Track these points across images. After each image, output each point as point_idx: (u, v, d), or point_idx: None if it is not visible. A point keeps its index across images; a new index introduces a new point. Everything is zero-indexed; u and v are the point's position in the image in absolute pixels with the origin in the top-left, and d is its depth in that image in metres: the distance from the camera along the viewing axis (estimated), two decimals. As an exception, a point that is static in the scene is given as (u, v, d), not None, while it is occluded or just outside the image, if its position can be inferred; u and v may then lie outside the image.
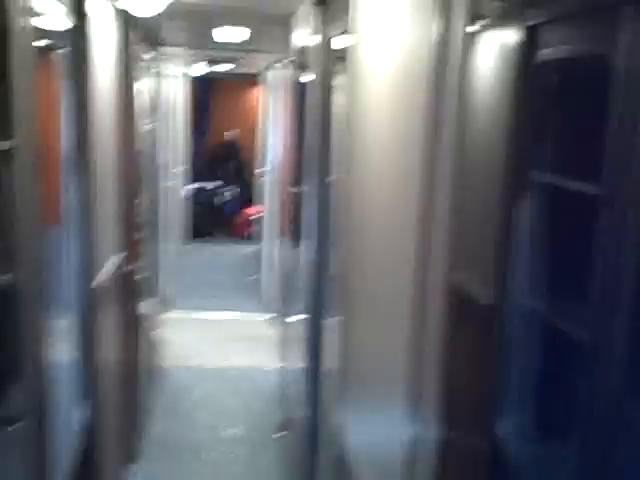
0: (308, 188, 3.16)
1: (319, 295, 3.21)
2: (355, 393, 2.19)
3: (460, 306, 1.27)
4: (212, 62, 7.68)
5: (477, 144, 1.22)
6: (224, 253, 10.35)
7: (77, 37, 2.80)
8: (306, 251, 3.33)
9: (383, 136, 1.80)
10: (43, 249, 2.27)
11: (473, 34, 1.22)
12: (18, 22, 1.97)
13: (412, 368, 1.47)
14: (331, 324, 3.05)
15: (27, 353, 2.16)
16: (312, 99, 2.96)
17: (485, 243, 1.19)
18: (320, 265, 3.17)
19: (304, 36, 3.29)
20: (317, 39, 2.81)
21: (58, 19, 2.61)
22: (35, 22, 2.12)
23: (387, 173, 1.76)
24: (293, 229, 4.40)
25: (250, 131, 10.54)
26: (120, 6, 3.43)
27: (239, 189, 11.60)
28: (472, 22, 1.22)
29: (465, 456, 1.29)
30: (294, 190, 4.12)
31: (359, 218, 2.10)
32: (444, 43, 1.30)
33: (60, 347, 2.73)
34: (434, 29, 1.33)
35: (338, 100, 2.89)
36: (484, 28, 1.19)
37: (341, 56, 2.72)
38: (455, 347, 1.30)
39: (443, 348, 1.32)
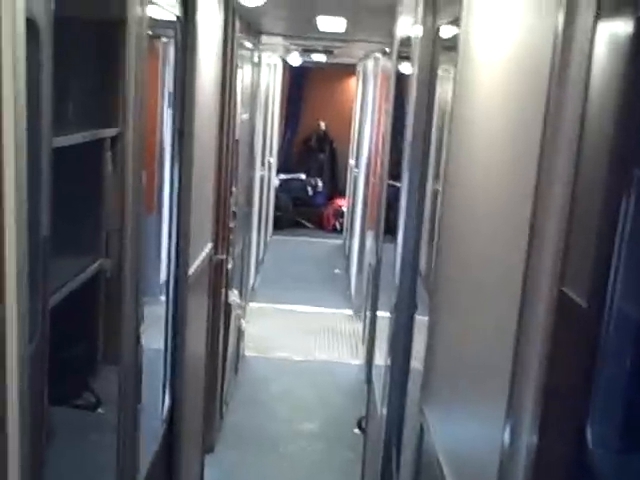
0: (404, 182, 3.09)
1: (409, 292, 3.14)
2: (443, 393, 2.13)
3: (563, 310, 1.21)
4: (309, 51, 7.66)
5: (598, 146, 1.13)
6: (311, 245, 10.34)
7: (184, 26, 2.81)
8: (398, 246, 3.26)
9: (493, 132, 1.72)
10: (141, 235, 2.29)
11: (601, 23, 1.12)
12: (134, 12, 1.98)
13: (509, 371, 1.40)
14: (420, 322, 3.01)
15: (122, 336, 2.18)
16: (413, 90, 2.87)
17: (593, 245, 1.12)
18: (412, 261, 3.10)
19: (408, 25, 3.20)
20: (422, 29, 2.72)
21: (167, 9, 2.62)
22: (148, 12, 2.13)
23: (495, 171, 1.68)
24: (384, 223, 4.32)
25: (344, 122, 10.51)
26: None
27: (330, 180, 11.59)
28: (601, 11, 1.13)
29: (560, 464, 1.23)
30: (389, 183, 4.04)
31: (460, 215, 2.02)
32: (569, 33, 1.21)
33: (150, 333, 2.75)
34: (558, 18, 1.24)
35: (442, 92, 2.80)
36: (612, 16, 1.10)
37: (448, 46, 2.64)
38: (556, 351, 1.24)
39: (544, 351, 1.25)
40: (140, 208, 2.23)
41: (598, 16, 1.15)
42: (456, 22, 2.20)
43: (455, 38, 2.22)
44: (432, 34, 2.73)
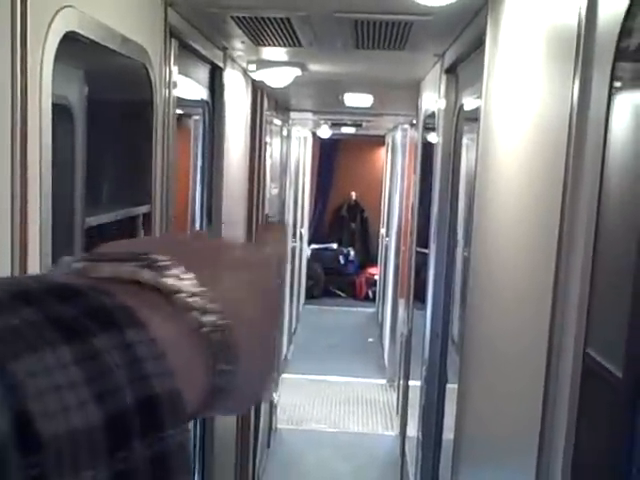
0: (434, 249, 3.11)
1: (440, 361, 3.12)
2: (474, 465, 2.08)
3: (593, 379, 1.20)
4: (338, 124, 7.82)
5: (618, 211, 1.15)
6: (344, 314, 10.30)
7: (211, 107, 2.91)
8: (427, 315, 3.25)
9: (515, 199, 1.74)
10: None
11: (615, 94, 1.15)
12: (161, 94, 2.07)
13: (538, 441, 1.38)
14: (453, 392, 2.96)
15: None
16: (438, 160, 2.93)
17: (620, 312, 1.11)
18: (442, 330, 3.09)
19: (432, 100, 3.28)
20: (446, 103, 2.80)
21: (198, 92, 2.73)
22: (176, 94, 2.23)
23: (519, 237, 1.69)
24: (415, 291, 4.32)
25: (374, 191, 10.61)
26: (255, 77, 3.56)
27: (362, 249, 11.62)
28: (615, 82, 1.16)
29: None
30: (419, 251, 4.06)
31: (486, 283, 2.02)
32: (584, 106, 1.25)
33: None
34: (574, 91, 1.27)
35: (466, 162, 2.86)
36: (626, 88, 1.13)
37: (470, 119, 2.72)
38: (587, 423, 1.22)
39: (574, 423, 1.23)
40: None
41: (612, 86, 1.18)
42: (477, 95, 2.27)
43: (477, 110, 2.28)
44: (455, 107, 2.80)
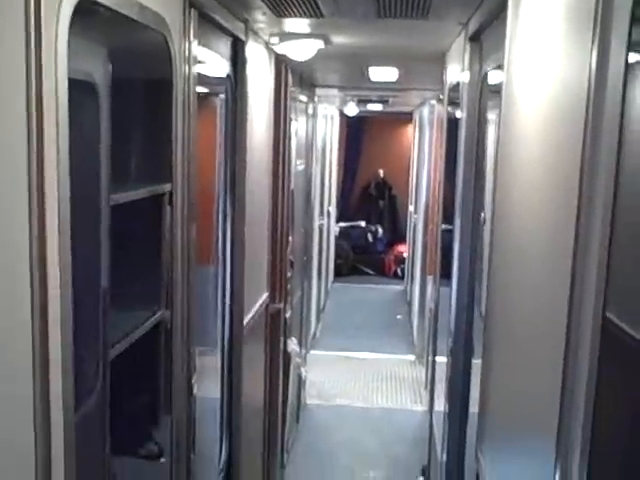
0: (459, 226, 3.08)
1: (466, 335, 3.10)
2: (496, 438, 2.08)
3: (613, 343, 1.19)
4: (364, 101, 7.76)
5: (637, 174, 1.13)
6: (373, 291, 10.30)
7: (235, 82, 2.89)
8: (453, 290, 3.24)
9: (535, 172, 1.71)
10: (195, 288, 2.33)
11: (633, 65, 1.12)
12: (181, 70, 2.06)
13: (558, 410, 1.37)
14: (478, 365, 2.96)
15: (176, 387, 2.21)
16: (464, 135, 2.89)
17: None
18: (467, 304, 3.07)
19: (457, 72, 3.23)
20: (470, 75, 2.75)
21: (218, 66, 2.71)
22: (197, 69, 2.21)
23: (539, 209, 1.67)
24: (442, 267, 4.29)
25: (402, 168, 10.56)
26: (278, 51, 3.53)
27: (390, 227, 11.59)
28: (632, 51, 1.13)
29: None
30: (445, 227, 4.03)
31: (509, 256, 2.00)
32: (601, 75, 1.22)
33: (207, 383, 2.78)
34: (592, 58, 1.24)
35: (491, 136, 2.82)
36: None
37: (495, 91, 2.67)
38: (610, 394, 1.21)
39: (593, 389, 1.23)
40: (193, 262, 2.28)
41: (629, 53, 1.15)
42: (500, 67, 2.23)
43: (499, 84, 2.24)
44: (479, 79, 2.75)
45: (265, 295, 3.85)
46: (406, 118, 10.22)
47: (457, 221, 3.10)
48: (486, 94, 2.73)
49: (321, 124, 7.23)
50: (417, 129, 8.87)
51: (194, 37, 2.17)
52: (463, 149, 2.90)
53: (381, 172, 11.63)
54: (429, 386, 5.31)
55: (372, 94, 6.84)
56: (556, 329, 1.42)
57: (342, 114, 9.56)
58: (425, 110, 7.36)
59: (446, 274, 4.04)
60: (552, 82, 1.59)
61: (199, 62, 2.25)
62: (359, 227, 11.35)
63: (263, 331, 3.84)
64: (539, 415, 1.59)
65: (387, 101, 7.44)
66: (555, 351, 1.40)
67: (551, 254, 1.54)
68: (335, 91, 6.80)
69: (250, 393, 3.40)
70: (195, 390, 2.41)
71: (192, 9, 2.14)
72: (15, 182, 1.21)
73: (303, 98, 5.44)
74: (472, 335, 3.08)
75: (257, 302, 3.59)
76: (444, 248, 4.10)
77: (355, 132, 11.57)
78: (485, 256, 2.93)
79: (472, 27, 2.68)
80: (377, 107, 8.29)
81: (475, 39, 2.71)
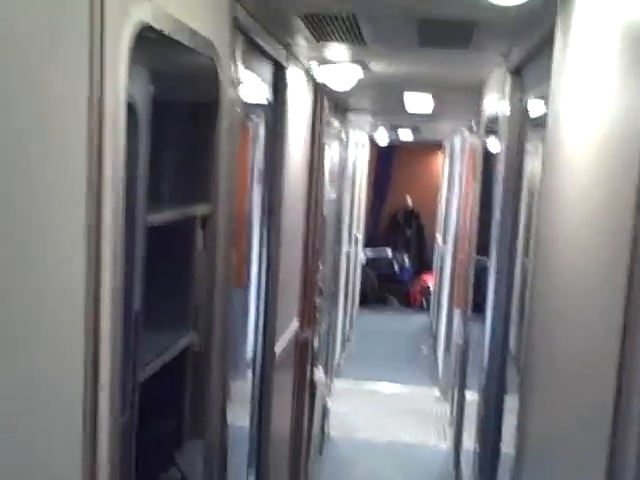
0: (495, 258, 3.04)
1: (498, 372, 3.05)
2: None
3: None
4: (396, 128, 7.76)
5: None
6: (397, 321, 10.21)
7: (275, 106, 2.90)
8: (486, 325, 3.18)
9: (584, 208, 1.67)
10: (228, 311, 2.31)
11: None
12: (227, 93, 2.06)
13: (609, 459, 1.32)
14: (511, 404, 2.90)
15: (211, 413, 2.18)
16: (501, 166, 2.86)
17: None
18: (501, 340, 3.02)
19: (495, 103, 3.21)
20: (511, 106, 2.73)
21: (259, 90, 2.72)
22: (241, 93, 2.22)
23: (588, 245, 1.63)
24: (472, 300, 4.24)
25: (430, 197, 10.52)
26: (318, 79, 3.54)
27: (417, 256, 11.52)
28: None
29: None
30: (477, 259, 3.99)
31: (553, 293, 1.96)
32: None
33: (235, 410, 2.74)
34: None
35: (530, 169, 2.79)
36: None
37: (536, 124, 2.65)
38: None
39: None
40: (227, 284, 2.26)
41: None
42: (544, 99, 2.20)
43: (543, 114, 2.21)
44: (519, 111, 2.73)
45: (295, 323, 3.82)
46: (435, 147, 10.21)
47: (493, 253, 3.06)
48: (526, 126, 2.71)
49: (352, 150, 7.24)
50: (447, 158, 8.85)
51: (240, 61, 2.18)
52: (502, 180, 2.87)
53: (409, 200, 11.59)
54: (455, 423, 5.22)
55: (405, 121, 6.84)
56: (607, 369, 1.37)
57: (373, 141, 9.57)
58: (456, 139, 7.34)
59: (478, 307, 3.98)
60: (605, 115, 1.56)
61: (243, 85, 2.26)
62: (385, 255, 11.29)
63: (292, 359, 3.80)
64: (584, 459, 1.53)
65: (418, 129, 7.44)
66: (605, 392, 1.36)
67: (602, 292, 1.50)
68: (367, 117, 6.80)
69: (277, 421, 3.36)
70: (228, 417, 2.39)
71: (239, 34, 2.16)
72: (73, 204, 1.22)
73: (336, 123, 5.45)
74: (505, 372, 3.03)
75: (288, 330, 3.57)
76: (476, 280, 4.05)
77: (384, 159, 11.57)
78: (520, 292, 2.89)
79: (514, 59, 2.66)
80: (408, 135, 8.29)
81: (517, 71, 2.69)
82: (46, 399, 1.18)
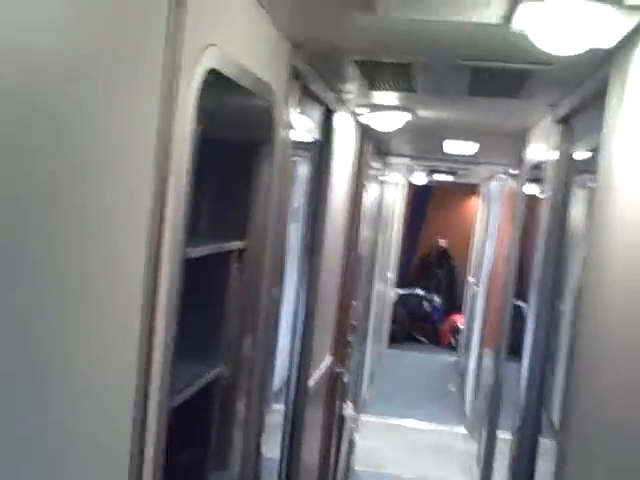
0: (535, 303, 3.05)
1: (535, 415, 3.05)
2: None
3: None
4: (433, 171, 7.80)
5: None
6: (426, 360, 10.16)
7: (322, 148, 2.97)
8: (523, 369, 3.19)
9: (637, 261, 1.68)
10: (269, 347, 2.35)
11: None
12: (280, 134, 2.13)
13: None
14: (545, 446, 2.89)
15: (239, 445, 2.20)
16: (547, 214, 2.89)
17: None
18: (538, 384, 3.03)
19: (540, 151, 3.25)
20: (559, 155, 2.76)
21: (309, 132, 2.79)
22: (293, 134, 2.28)
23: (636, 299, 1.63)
24: (504, 342, 4.24)
25: (463, 239, 10.51)
26: (363, 121, 3.61)
27: (447, 296, 11.48)
28: None
29: None
30: (515, 303, 4.00)
31: (598, 346, 1.96)
32: None
33: (268, 441, 2.76)
34: None
35: (575, 217, 2.81)
36: None
37: (583, 172, 2.70)
38: None
39: None
40: (270, 320, 2.30)
41: None
42: (593, 149, 2.23)
43: (589, 163, 2.24)
44: (566, 159, 2.76)
45: (329, 359, 3.84)
46: (470, 189, 10.22)
47: (533, 299, 3.07)
48: (572, 174, 2.74)
49: (389, 191, 7.29)
50: (483, 201, 8.86)
51: (295, 105, 2.25)
52: (546, 227, 2.90)
53: (442, 241, 11.59)
54: (483, 463, 5.16)
55: (443, 165, 6.88)
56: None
57: (409, 183, 9.62)
58: (494, 184, 7.35)
59: (512, 350, 3.98)
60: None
61: (295, 128, 2.33)
62: (417, 295, 11.27)
63: (323, 393, 3.82)
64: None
65: (456, 173, 7.47)
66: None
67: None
68: (406, 160, 6.86)
69: (306, 455, 3.37)
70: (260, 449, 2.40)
71: (295, 80, 2.23)
72: (136, 236, 1.28)
73: (376, 165, 5.52)
74: (541, 414, 3.03)
75: (321, 365, 3.59)
76: (513, 324, 4.06)
77: (419, 200, 11.59)
78: (559, 338, 2.89)
79: (563, 109, 2.70)
80: (446, 178, 8.32)
81: (565, 121, 2.73)
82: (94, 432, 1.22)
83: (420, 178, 8.51)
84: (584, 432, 2.03)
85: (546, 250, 2.89)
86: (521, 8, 1.55)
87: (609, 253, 1.93)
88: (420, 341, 10.93)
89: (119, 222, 1.21)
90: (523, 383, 3.12)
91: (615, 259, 1.88)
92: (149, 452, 1.40)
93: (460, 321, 10.10)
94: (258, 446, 2.40)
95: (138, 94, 1.23)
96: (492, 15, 1.64)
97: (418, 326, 10.99)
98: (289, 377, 3.11)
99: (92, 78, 1.06)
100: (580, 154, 2.65)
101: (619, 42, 1.82)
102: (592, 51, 1.82)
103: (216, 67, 1.53)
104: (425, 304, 11.20)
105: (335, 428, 4.35)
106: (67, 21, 0.98)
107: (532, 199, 4.05)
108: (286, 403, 3.11)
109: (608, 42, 1.78)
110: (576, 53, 1.83)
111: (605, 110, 2.04)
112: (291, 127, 2.28)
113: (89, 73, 1.05)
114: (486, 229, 7.76)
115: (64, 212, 1.02)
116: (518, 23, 1.62)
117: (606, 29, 1.65)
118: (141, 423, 1.34)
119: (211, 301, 2.09)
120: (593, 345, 2.03)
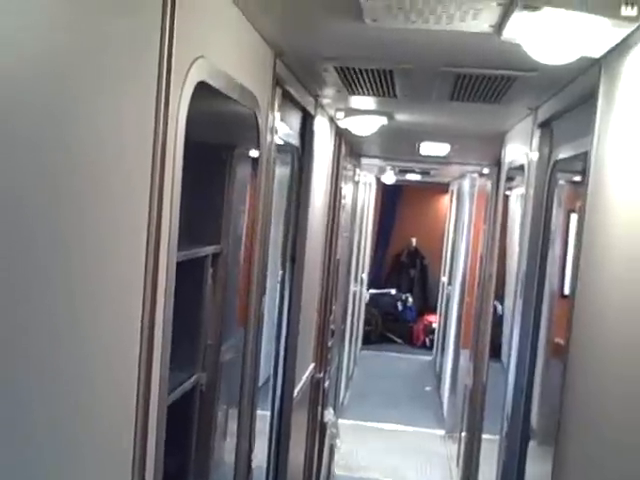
0: (520, 304, 3.05)
1: (523, 417, 3.05)
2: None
3: None
4: (403, 171, 7.81)
5: None
6: (400, 360, 10.16)
7: (302, 153, 2.95)
8: (512, 370, 3.19)
9: (632, 263, 1.68)
10: (257, 356, 2.32)
11: None
12: (265, 139, 2.11)
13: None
14: (534, 450, 2.90)
15: (238, 458, 2.17)
16: (530, 215, 2.90)
17: None
18: (526, 385, 3.03)
19: (520, 153, 3.26)
20: (539, 158, 2.78)
21: (289, 137, 2.76)
22: (276, 138, 2.28)
23: (634, 310, 1.63)
24: (486, 345, 4.24)
25: (435, 238, 10.55)
26: (341, 125, 3.60)
27: (420, 296, 11.51)
28: None
29: None
30: (494, 304, 4.01)
31: (596, 342, 1.96)
32: None
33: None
34: None
35: (557, 218, 2.83)
36: None
37: (564, 173, 2.71)
38: None
39: None
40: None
41: None
42: (579, 152, 2.25)
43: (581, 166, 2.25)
44: (548, 161, 2.78)
45: (312, 366, 3.82)
46: (441, 188, 10.25)
47: (518, 300, 3.07)
48: (555, 178, 2.75)
49: (361, 192, 7.28)
50: (454, 200, 8.89)
51: (277, 111, 2.24)
52: (529, 228, 2.91)
53: (414, 241, 11.62)
54: (462, 464, 5.17)
55: (416, 166, 6.89)
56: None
57: (379, 182, 9.62)
58: (465, 183, 7.38)
59: (494, 351, 3.99)
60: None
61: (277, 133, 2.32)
62: (389, 295, 11.28)
63: (307, 400, 3.80)
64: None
65: (428, 173, 7.49)
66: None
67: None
68: (378, 161, 6.86)
69: (292, 461, 3.35)
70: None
71: (277, 87, 2.22)
72: (135, 245, 1.31)
73: (350, 167, 5.50)
74: (530, 418, 3.03)
75: (305, 373, 3.57)
76: (494, 324, 4.07)
77: (390, 200, 11.61)
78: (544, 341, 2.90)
79: (543, 113, 2.71)
80: (416, 177, 8.34)
81: (545, 125, 2.74)
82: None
83: (390, 177, 8.52)
84: (580, 438, 2.03)
85: (529, 251, 2.89)
86: (513, 18, 1.53)
87: (601, 255, 1.93)
88: (394, 341, 10.94)
89: (119, 223, 1.23)
90: (510, 388, 3.13)
91: (606, 262, 1.88)
92: (151, 444, 1.41)
93: (434, 320, 10.13)
94: (249, 460, 2.37)
95: (133, 106, 1.24)
96: (483, 24, 1.63)
97: (392, 326, 10.99)
98: (274, 386, 3.08)
99: (88, 92, 1.07)
100: (566, 159, 2.67)
101: (609, 49, 1.82)
102: (580, 58, 1.82)
103: (205, 79, 1.52)
104: (398, 304, 11.21)
105: (317, 435, 4.32)
106: (61, 35, 0.97)
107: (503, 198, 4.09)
108: (272, 410, 3.08)
109: (599, 51, 1.78)
110: (566, 62, 1.83)
111: (595, 115, 2.04)
112: (275, 132, 2.27)
113: (84, 87, 1.05)
114: (458, 228, 7.79)
115: (66, 210, 1.04)
116: (509, 33, 1.61)
117: (598, 39, 1.64)
118: (144, 415, 1.37)
119: (188, 306, 2.06)
120: (588, 350, 2.03)
